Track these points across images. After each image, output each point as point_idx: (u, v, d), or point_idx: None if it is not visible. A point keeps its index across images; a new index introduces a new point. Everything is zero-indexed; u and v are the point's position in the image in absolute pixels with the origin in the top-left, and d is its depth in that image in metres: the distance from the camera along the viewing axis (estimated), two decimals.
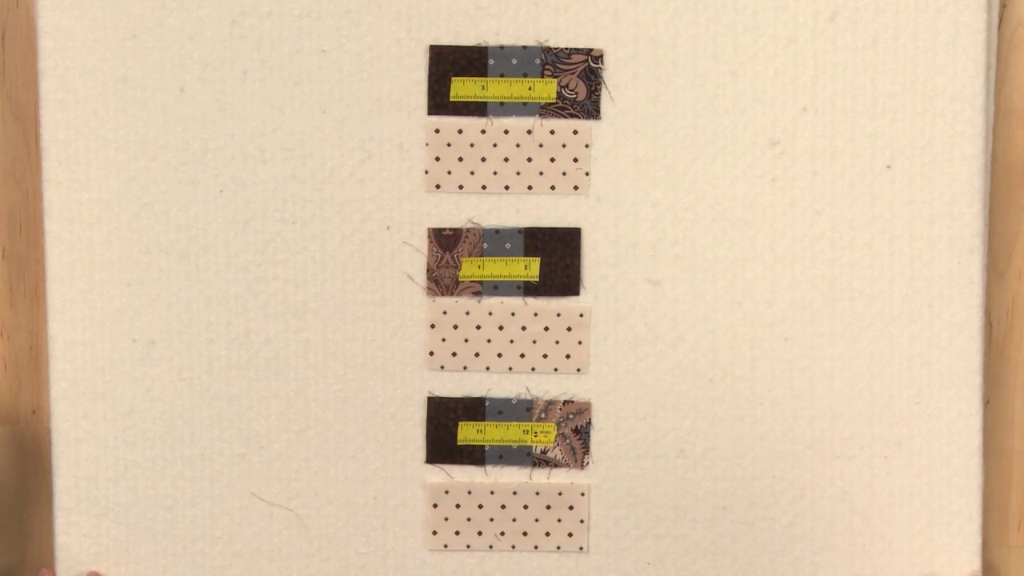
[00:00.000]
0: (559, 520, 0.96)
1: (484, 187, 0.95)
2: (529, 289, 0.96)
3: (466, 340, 0.95)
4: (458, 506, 0.97)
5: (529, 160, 0.94)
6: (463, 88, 0.93)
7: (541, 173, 0.95)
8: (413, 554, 0.96)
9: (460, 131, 0.94)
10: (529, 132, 0.94)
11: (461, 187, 0.95)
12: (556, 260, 0.94)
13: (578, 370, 0.96)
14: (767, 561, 0.95)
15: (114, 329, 0.94)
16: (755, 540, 0.95)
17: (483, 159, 0.95)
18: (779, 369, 0.95)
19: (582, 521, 0.96)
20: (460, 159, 0.95)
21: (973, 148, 0.93)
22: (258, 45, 0.93)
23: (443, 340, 0.95)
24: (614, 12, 0.93)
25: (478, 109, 0.94)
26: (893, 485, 0.95)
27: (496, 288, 0.95)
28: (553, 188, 0.95)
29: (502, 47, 0.93)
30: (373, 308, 0.95)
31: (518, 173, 0.95)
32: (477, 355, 0.95)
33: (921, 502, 0.95)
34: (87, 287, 0.94)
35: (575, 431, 0.96)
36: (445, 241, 0.94)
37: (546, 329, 0.96)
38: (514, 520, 0.96)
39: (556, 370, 0.96)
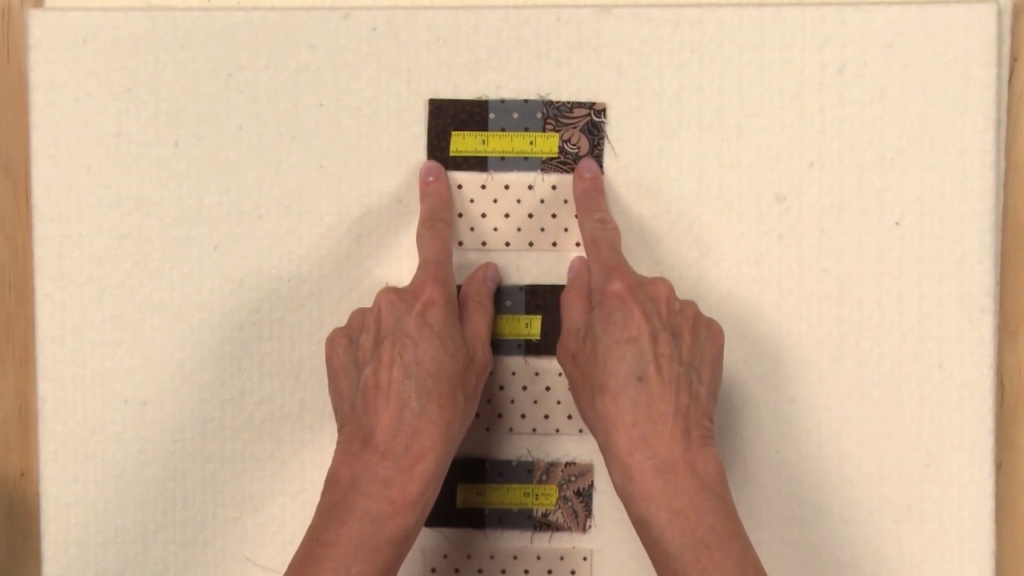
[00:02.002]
0: None
1: (484, 243, 0.94)
2: (530, 348, 0.94)
3: None
4: (457, 571, 0.95)
5: (530, 216, 0.94)
6: (463, 142, 0.93)
7: (543, 229, 0.94)
8: None
9: (460, 186, 0.93)
10: (530, 187, 0.94)
11: (461, 243, 0.94)
12: (558, 318, 0.91)
13: (580, 431, 0.94)
14: None
15: (105, 389, 0.93)
16: None
17: (483, 215, 0.94)
18: (785, 430, 0.94)
19: None
20: (460, 215, 0.94)
21: (983, 204, 0.92)
22: (254, 99, 0.92)
23: None
24: (617, 65, 0.92)
25: (478, 164, 0.93)
26: (903, 551, 0.94)
27: (497, 347, 0.93)
28: (555, 245, 0.94)
29: (503, 100, 0.93)
30: None
31: (519, 229, 0.94)
32: (478, 415, 0.93)
33: (932, 568, 0.94)
34: (78, 346, 0.93)
35: (577, 493, 0.95)
36: None
37: (547, 389, 0.95)
38: None
39: (558, 431, 0.95)
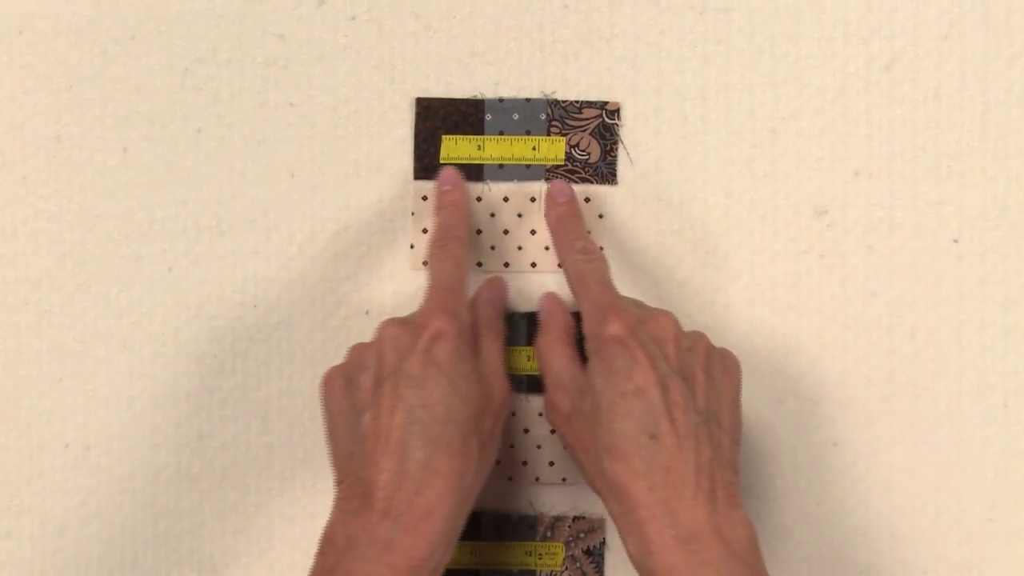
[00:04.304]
0: None
1: (480, 264, 0.91)
2: (533, 384, 0.90)
3: None
4: None
5: (533, 233, 0.90)
6: (455, 148, 0.90)
7: (547, 248, 0.90)
8: None
9: None
10: (533, 200, 0.90)
11: None
12: None
13: None
14: None
15: (43, 431, 0.90)
16: None
17: (478, 231, 0.91)
18: (828, 479, 0.90)
19: None
20: None
21: None
22: (215, 98, 0.90)
23: None
24: (632, 59, 0.90)
25: (473, 172, 0.90)
26: None
27: None
28: (561, 266, 0.89)
29: (501, 100, 0.90)
30: None
31: (520, 248, 0.91)
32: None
33: None
34: (11, 382, 0.90)
35: (587, 552, 0.90)
36: None
37: (552, 432, 0.90)
38: None
39: (564, 480, 0.90)
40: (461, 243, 0.86)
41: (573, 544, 0.90)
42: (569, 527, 0.90)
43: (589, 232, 0.89)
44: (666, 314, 0.81)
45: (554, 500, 0.90)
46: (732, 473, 0.78)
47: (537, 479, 0.90)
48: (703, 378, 0.80)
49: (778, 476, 0.90)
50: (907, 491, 0.90)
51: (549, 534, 0.90)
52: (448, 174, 0.89)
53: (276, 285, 0.90)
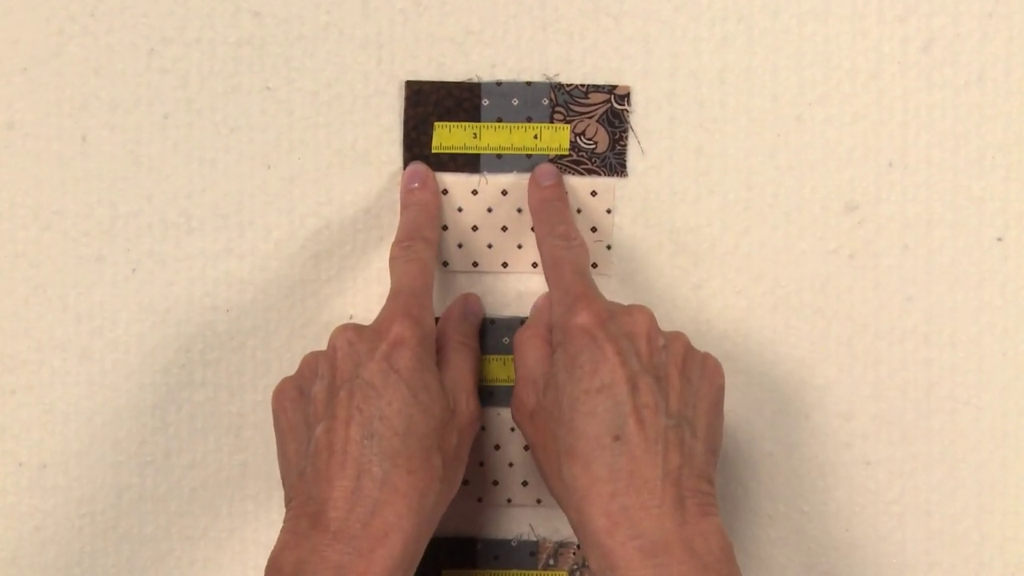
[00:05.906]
0: None
1: (475, 264, 0.89)
2: None
3: None
4: None
5: (534, 229, 0.87)
6: (449, 136, 0.88)
7: None
8: None
9: (445, 191, 0.88)
10: None
11: (446, 264, 0.89)
12: None
13: None
14: None
15: None
16: None
17: (474, 228, 0.88)
18: (860, 502, 0.88)
19: None
20: (445, 227, 0.88)
21: None
22: (183, 81, 0.88)
23: None
24: (644, 39, 0.87)
25: (468, 163, 0.88)
26: None
27: (490, 396, 0.87)
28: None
29: (499, 83, 0.88)
30: None
31: (519, 246, 0.88)
32: (466, 483, 0.87)
33: None
34: None
35: None
36: None
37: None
38: None
39: None
40: (428, 245, 0.85)
41: (578, 573, 0.88)
42: (574, 554, 0.88)
43: (595, 229, 0.87)
44: (641, 309, 0.79)
45: (557, 524, 0.88)
46: (705, 483, 0.75)
47: (539, 501, 0.88)
48: (678, 380, 0.78)
49: (804, 499, 0.88)
50: (946, 515, 0.88)
51: (552, 562, 0.88)
52: (416, 170, 0.87)
53: (251, 287, 0.88)
